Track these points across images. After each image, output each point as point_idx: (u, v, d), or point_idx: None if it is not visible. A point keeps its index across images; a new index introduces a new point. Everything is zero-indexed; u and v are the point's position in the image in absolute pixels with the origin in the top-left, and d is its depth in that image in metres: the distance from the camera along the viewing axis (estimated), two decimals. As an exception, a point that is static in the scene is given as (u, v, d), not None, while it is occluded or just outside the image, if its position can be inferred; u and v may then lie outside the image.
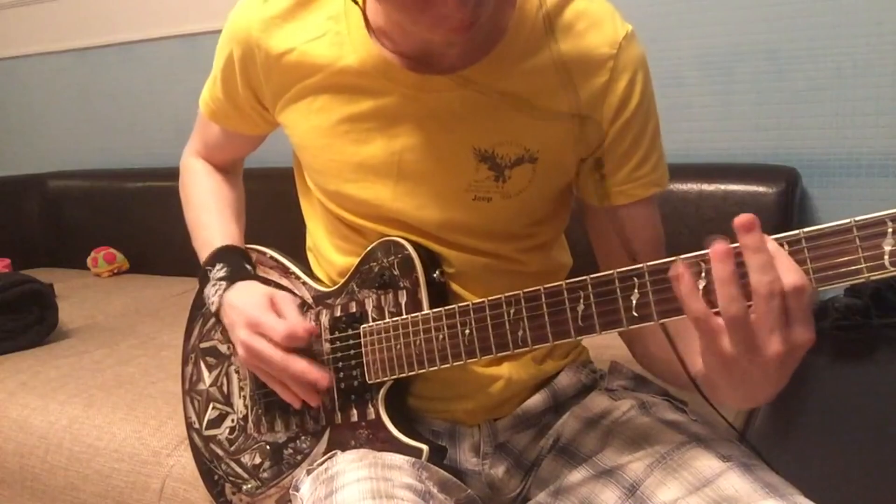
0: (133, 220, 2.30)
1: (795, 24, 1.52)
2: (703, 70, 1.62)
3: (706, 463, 0.70)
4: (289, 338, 0.79)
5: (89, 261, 2.29)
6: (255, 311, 0.81)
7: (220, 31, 0.88)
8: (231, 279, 0.88)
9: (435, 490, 0.74)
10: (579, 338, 0.67)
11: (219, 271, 0.89)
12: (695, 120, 1.64)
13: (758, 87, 1.58)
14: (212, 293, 0.88)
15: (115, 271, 2.29)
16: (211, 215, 0.97)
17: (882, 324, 1.35)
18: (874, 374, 1.25)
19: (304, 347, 0.81)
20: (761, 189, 1.47)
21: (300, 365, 0.79)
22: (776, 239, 0.56)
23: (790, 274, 0.55)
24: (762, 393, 0.62)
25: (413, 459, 0.77)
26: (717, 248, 0.56)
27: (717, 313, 0.57)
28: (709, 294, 0.58)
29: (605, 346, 0.89)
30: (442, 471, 0.79)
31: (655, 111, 0.82)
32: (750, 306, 0.56)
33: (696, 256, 0.59)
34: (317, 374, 0.80)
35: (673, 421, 0.79)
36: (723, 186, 1.50)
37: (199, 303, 0.99)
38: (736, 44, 1.58)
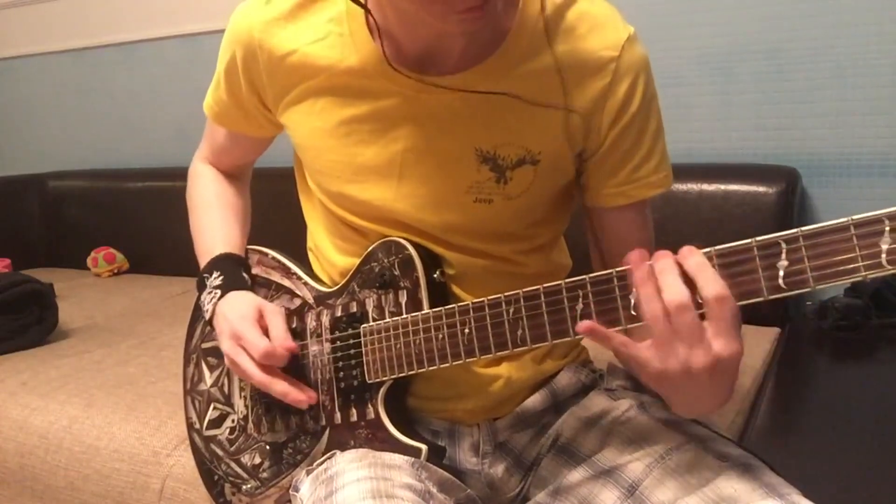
0: (133, 220, 2.30)
1: (795, 24, 1.53)
2: (703, 70, 1.62)
3: (705, 463, 0.70)
4: (266, 357, 0.80)
5: (89, 261, 2.29)
6: (240, 324, 0.82)
7: (220, 32, 0.88)
8: (225, 288, 0.88)
9: (434, 490, 0.74)
10: (578, 337, 0.67)
11: (215, 279, 0.89)
12: (695, 120, 1.64)
13: (758, 87, 1.58)
14: (207, 301, 0.89)
15: (115, 271, 2.29)
16: (213, 220, 0.97)
17: (882, 324, 1.35)
18: (874, 374, 1.25)
19: (287, 363, 0.82)
20: (761, 189, 1.47)
21: (279, 387, 0.80)
22: (774, 237, 0.57)
23: (711, 285, 0.57)
24: (705, 405, 0.65)
25: (412, 459, 0.77)
26: (632, 255, 0.62)
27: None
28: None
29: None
30: (441, 470, 0.79)
31: (658, 113, 0.81)
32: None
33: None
34: (297, 397, 0.81)
35: (672, 421, 0.78)
36: (723, 186, 1.50)
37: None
38: (736, 44, 1.58)
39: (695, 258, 0.59)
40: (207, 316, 0.89)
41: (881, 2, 1.45)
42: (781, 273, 0.57)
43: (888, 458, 0.93)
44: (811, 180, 1.56)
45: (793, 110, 1.56)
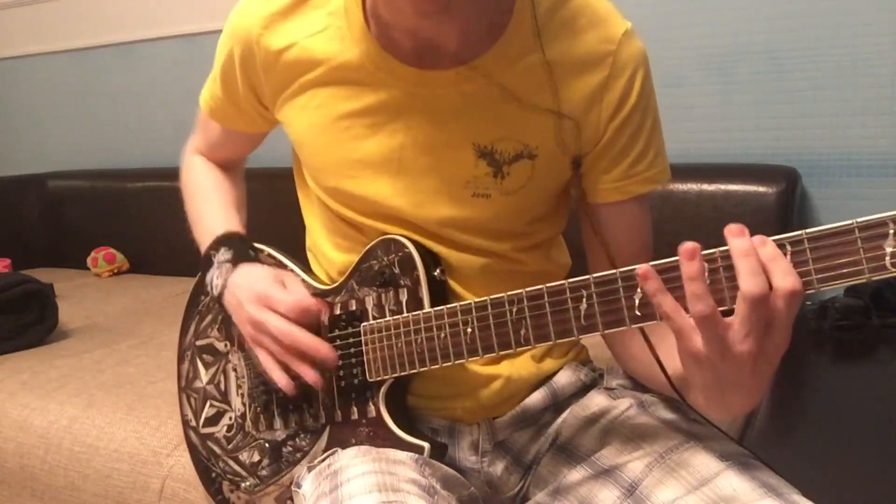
0: (133, 220, 2.30)
1: (795, 24, 1.53)
2: (703, 70, 1.62)
3: (705, 462, 0.70)
4: (298, 309, 0.78)
5: (89, 261, 2.29)
6: (264, 286, 0.81)
7: (220, 31, 0.88)
8: (236, 261, 0.87)
9: (438, 486, 0.74)
10: (581, 336, 0.67)
11: (223, 254, 0.88)
12: (695, 120, 1.64)
13: (758, 87, 1.58)
14: (215, 276, 0.87)
15: (115, 271, 2.29)
16: (212, 207, 0.96)
17: (882, 324, 1.35)
18: (874, 374, 1.25)
19: (311, 327, 0.80)
20: (761, 189, 1.47)
21: (309, 339, 0.78)
22: (779, 239, 0.57)
23: (787, 277, 0.55)
24: (737, 399, 0.63)
25: (416, 455, 0.77)
26: (685, 246, 0.58)
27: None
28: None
29: (605, 344, 0.89)
30: (445, 467, 0.79)
31: (655, 107, 0.81)
32: (730, 308, 0.57)
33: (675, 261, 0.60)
34: (325, 350, 0.78)
35: (672, 420, 0.79)
36: (723, 186, 1.50)
37: (195, 300, 0.98)
38: (736, 44, 1.58)
39: (768, 248, 0.57)
40: (217, 291, 0.87)
41: (881, 2, 1.45)
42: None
43: (888, 458, 0.93)
44: (811, 180, 1.56)
45: (793, 110, 1.56)
